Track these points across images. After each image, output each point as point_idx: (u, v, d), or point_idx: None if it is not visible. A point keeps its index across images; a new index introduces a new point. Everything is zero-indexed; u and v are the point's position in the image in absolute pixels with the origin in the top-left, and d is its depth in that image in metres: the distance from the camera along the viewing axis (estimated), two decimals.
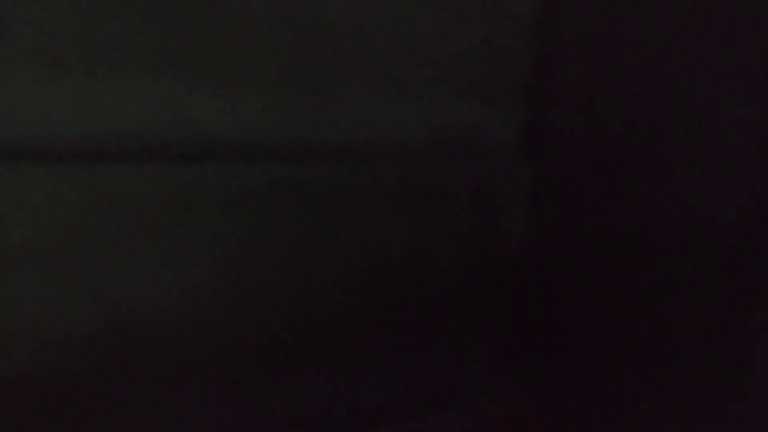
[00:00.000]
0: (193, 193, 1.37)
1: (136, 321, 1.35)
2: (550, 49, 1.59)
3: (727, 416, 1.33)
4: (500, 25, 1.58)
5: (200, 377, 1.41)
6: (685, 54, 1.44)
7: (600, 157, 1.53)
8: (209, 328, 1.40)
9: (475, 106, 1.57)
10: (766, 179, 1.32)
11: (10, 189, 1.26)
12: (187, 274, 1.38)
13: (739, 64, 1.36)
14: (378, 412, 1.54)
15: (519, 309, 1.61)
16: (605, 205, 1.52)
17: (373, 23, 1.47)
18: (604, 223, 1.52)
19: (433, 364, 1.58)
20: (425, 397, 1.58)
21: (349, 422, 1.52)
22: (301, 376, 1.48)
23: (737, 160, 1.35)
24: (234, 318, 1.41)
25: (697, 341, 1.36)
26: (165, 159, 1.35)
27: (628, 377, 1.45)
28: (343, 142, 1.48)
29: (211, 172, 1.38)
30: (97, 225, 1.31)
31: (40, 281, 1.29)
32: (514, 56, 1.59)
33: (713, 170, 1.38)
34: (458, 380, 1.60)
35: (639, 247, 1.46)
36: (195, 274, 1.38)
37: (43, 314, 1.30)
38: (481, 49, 1.56)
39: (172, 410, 1.39)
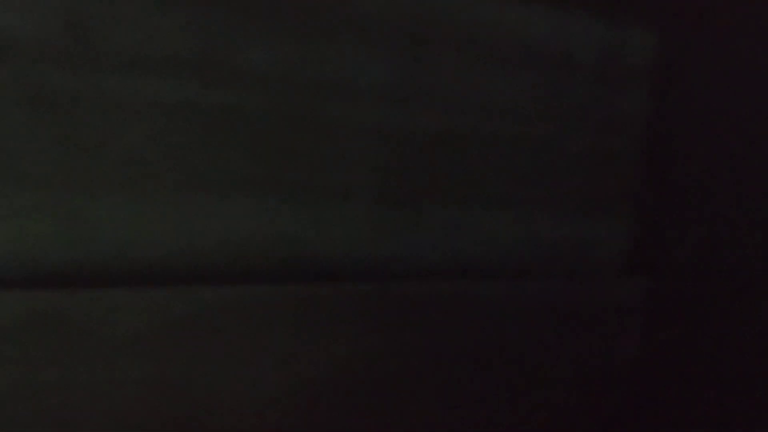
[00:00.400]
0: (292, 311, 1.34)
1: None
2: (663, 162, 1.53)
3: None
4: (611, 136, 1.53)
5: None
6: None
7: (719, 273, 1.47)
8: None
9: (587, 220, 1.52)
10: None
11: (110, 311, 1.22)
12: (291, 392, 1.34)
13: None
14: None
15: (635, 424, 1.54)
16: (725, 322, 1.46)
17: (477, 135, 1.43)
18: (724, 339, 1.46)
19: None
20: None
21: None
22: None
23: None
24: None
25: None
26: (262, 279, 1.31)
27: None
28: (445, 259, 1.42)
29: (309, 290, 1.34)
30: (189, 347, 1.28)
31: (128, 403, 1.25)
32: (626, 168, 1.53)
33: None
34: None
35: (764, 369, 1.40)
36: (300, 391, 1.34)
37: None
38: (591, 161, 1.51)
39: None
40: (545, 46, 1.48)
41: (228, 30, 1.28)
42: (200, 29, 1.27)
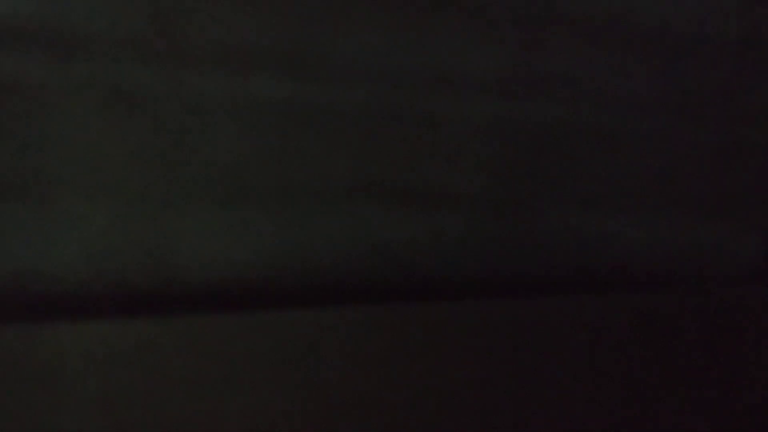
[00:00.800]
0: (394, 334, 1.22)
1: None
2: None
3: None
4: (745, 128, 1.40)
5: None
6: None
7: None
8: None
9: (717, 222, 1.40)
10: None
11: (204, 339, 1.12)
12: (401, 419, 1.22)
13: None
14: None
15: None
16: None
17: (598, 129, 1.31)
18: None
19: None
20: None
21: None
22: None
23: None
24: None
25: None
26: (365, 298, 1.20)
27: None
28: (557, 270, 1.31)
29: (413, 310, 1.22)
30: (289, 376, 1.17)
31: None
32: (760, 163, 1.41)
33: None
34: None
35: None
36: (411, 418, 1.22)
37: None
38: (722, 156, 1.39)
39: None
40: (673, 27, 1.36)
41: (323, 21, 1.18)
42: (293, 20, 1.17)
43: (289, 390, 1.15)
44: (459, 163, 1.25)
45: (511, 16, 1.26)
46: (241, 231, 1.16)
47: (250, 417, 1.13)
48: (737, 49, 1.40)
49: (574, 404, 1.29)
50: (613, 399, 1.32)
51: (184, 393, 1.10)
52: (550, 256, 1.31)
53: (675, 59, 1.36)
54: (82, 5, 1.08)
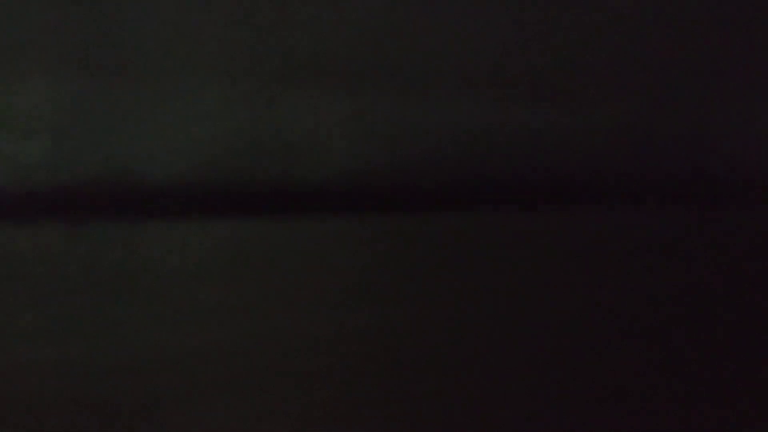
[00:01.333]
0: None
1: None
2: None
3: None
4: None
5: None
6: None
7: None
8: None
9: None
10: None
11: (326, 241, 0.99)
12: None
13: None
14: None
15: None
16: None
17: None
18: None
19: None
20: None
21: None
22: None
23: None
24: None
25: None
26: (492, 199, 1.07)
27: None
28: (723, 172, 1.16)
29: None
30: (415, 281, 1.05)
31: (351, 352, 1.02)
32: None
33: None
34: None
35: None
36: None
37: None
38: None
39: None
40: None
41: None
42: None
43: (420, 300, 1.02)
44: (612, 47, 1.11)
45: None
46: (361, 120, 1.03)
47: (375, 329, 1.00)
48: None
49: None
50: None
51: (300, 303, 0.97)
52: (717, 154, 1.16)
53: None
54: None
